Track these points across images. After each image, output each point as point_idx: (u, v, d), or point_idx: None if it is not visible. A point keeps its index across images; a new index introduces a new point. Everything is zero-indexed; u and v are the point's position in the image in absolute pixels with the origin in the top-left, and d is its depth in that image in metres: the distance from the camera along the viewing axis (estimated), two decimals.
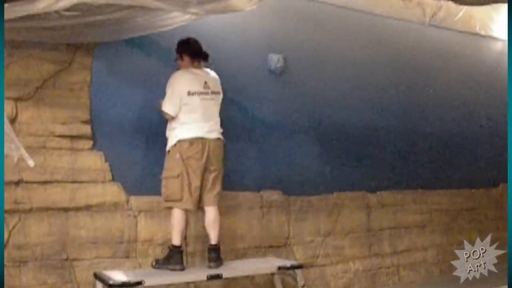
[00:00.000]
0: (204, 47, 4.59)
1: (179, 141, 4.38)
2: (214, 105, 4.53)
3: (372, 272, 5.95)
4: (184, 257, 4.55)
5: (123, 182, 4.61)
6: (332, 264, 5.68)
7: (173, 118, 4.40)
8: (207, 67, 4.65)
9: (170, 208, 4.49)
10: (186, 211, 4.43)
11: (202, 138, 4.41)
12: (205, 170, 4.44)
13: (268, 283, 5.07)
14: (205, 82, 4.49)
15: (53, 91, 4.38)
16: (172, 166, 4.39)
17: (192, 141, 4.38)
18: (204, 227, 4.58)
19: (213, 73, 4.63)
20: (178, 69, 4.56)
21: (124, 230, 4.59)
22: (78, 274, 4.38)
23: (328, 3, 5.80)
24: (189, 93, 4.40)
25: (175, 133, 4.41)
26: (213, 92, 4.51)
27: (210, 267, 4.46)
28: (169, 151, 4.43)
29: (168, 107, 4.39)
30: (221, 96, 4.61)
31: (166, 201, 4.45)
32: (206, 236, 4.68)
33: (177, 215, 4.40)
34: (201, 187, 4.45)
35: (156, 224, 4.71)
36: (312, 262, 5.51)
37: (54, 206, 4.33)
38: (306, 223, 5.56)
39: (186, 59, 4.54)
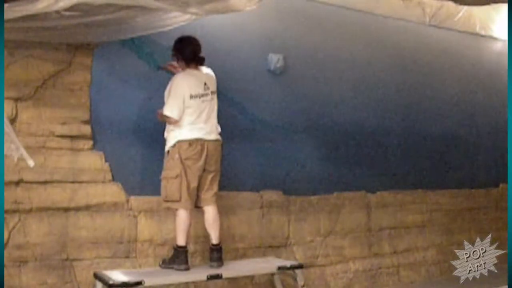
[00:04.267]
0: (201, 48, 4.52)
1: (178, 142, 4.38)
2: (213, 105, 4.53)
3: (372, 272, 5.94)
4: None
5: (123, 182, 4.61)
6: (332, 264, 5.67)
7: (177, 122, 4.38)
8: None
9: (169, 209, 4.52)
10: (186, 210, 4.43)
11: (201, 139, 4.41)
12: (204, 171, 4.45)
13: (268, 283, 5.07)
14: (205, 83, 4.48)
15: (53, 91, 4.38)
16: (171, 167, 4.39)
17: (192, 142, 4.38)
18: (204, 227, 4.58)
19: (209, 72, 4.60)
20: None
21: (124, 230, 4.59)
22: (78, 274, 4.38)
23: (328, 3, 5.79)
24: (191, 97, 4.39)
25: (175, 134, 4.41)
26: (212, 92, 4.52)
27: (212, 266, 4.47)
28: (168, 151, 4.44)
29: (172, 111, 4.35)
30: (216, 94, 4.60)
31: (165, 201, 4.46)
32: (206, 236, 4.68)
33: (182, 216, 4.40)
34: (199, 187, 4.46)
35: (156, 224, 4.71)
36: (312, 262, 5.51)
37: (54, 206, 4.33)
38: (306, 223, 5.56)
39: (181, 62, 4.52)
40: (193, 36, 4.53)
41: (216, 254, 4.50)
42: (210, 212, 4.51)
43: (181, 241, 4.41)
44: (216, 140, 4.51)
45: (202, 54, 4.55)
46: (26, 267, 4.20)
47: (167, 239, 4.68)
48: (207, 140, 4.44)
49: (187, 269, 4.39)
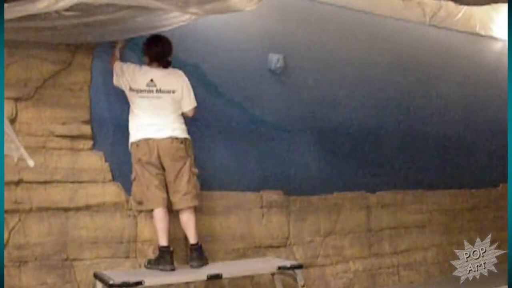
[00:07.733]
0: (170, 50, 4.51)
1: (131, 144, 4.42)
2: (163, 103, 4.41)
3: (372, 272, 5.94)
4: (182, 258, 4.56)
5: (123, 182, 4.60)
6: (332, 264, 5.67)
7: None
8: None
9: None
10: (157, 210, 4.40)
11: (148, 139, 4.36)
12: (163, 170, 4.42)
13: (268, 283, 5.07)
14: (151, 80, 4.42)
15: (53, 91, 4.38)
16: (132, 169, 4.43)
17: (138, 143, 4.38)
18: (201, 227, 4.59)
19: (173, 72, 4.52)
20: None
21: (124, 230, 4.59)
22: (78, 274, 4.38)
23: (328, 3, 5.79)
24: (131, 90, 4.39)
25: (130, 137, 4.44)
26: (160, 91, 4.41)
27: (192, 266, 4.45)
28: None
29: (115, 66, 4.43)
30: (179, 94, 4.47)
31: (134, 203, 4.49)
32: (204, 236, 4.69)
33: (156, 216, 4.39)
34: (167, 190, 4.43)
35: None
36: (312, 262, 5.51)
37: (54, 206, 4.33)
38: (306, 223, 5.56)
39: (146, 58, 4.53)
40: (167, 38, 4.48)
41: (195, 253, 4.46)
42: (182, 214, 4.46)
43: (161, 241, 4.38)
44: (169, 138, 4.39)
45: (171, 57, 4.53)
46: (26, 267, 4.20)
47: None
48: (157, 139, 4.36)
49: (172, 269, 4.35)
